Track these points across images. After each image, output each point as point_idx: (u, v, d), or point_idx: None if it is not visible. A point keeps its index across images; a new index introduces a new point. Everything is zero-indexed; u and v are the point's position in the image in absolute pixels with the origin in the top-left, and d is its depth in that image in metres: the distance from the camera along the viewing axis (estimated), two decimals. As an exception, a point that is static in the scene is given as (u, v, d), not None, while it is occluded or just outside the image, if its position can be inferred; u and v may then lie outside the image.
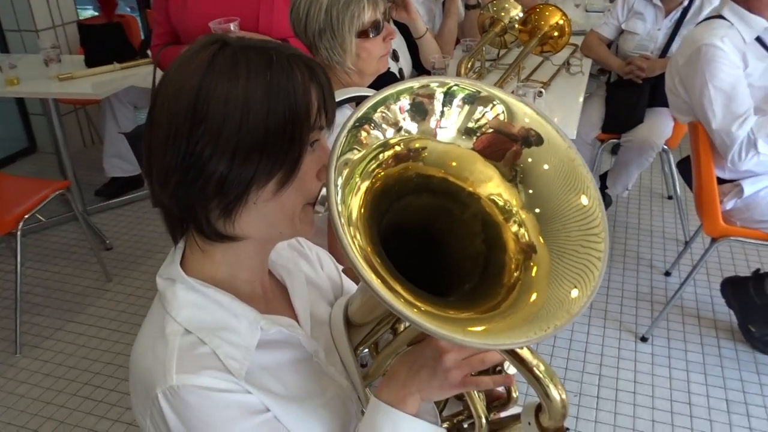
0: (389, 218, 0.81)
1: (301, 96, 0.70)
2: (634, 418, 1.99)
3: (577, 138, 2.76)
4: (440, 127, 0.76)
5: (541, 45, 2.68)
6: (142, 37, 3.86)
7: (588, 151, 2.81)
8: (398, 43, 2.44)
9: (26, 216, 2.37)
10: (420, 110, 0.73)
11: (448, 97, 0.74)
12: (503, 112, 0.77)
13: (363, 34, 1.50)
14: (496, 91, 0.77)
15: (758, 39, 1.99)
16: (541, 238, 0.78)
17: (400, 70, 2.43)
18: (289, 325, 0.83)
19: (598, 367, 2.19)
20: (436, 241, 0.89)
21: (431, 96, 0.73)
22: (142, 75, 2.89)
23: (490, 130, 0.78)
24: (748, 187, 2.02)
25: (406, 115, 0.72)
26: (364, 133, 0.69)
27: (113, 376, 2.24)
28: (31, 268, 2.87)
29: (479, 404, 0.88)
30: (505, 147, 0.79)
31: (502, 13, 2.80)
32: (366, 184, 0.72)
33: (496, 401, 0.95)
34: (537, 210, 0.79)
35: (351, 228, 0.66)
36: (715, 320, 2.40)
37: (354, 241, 0.65)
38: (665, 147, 2.71)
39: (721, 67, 1.90)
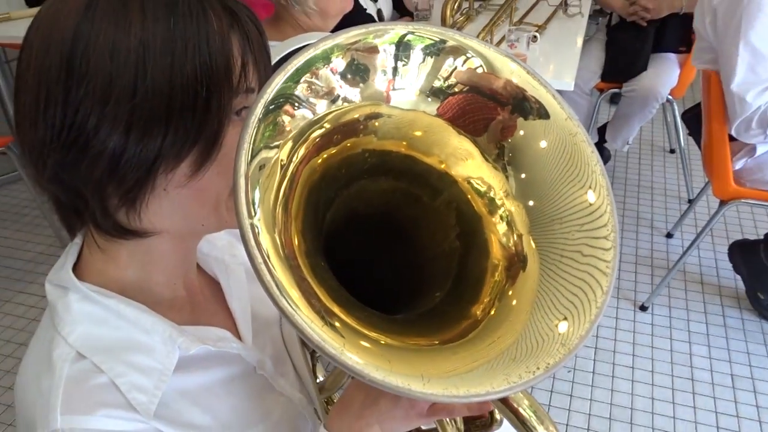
0: (337, 210, 0.63)
1: (217, 48, 0.54)
2: (632, 396, 1.84)
3: (575, 87, 2.53)
4: (394, 89, 0.57)
5: (537, -17, 2.42)
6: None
7: (586, 102, 2.58)
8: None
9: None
10: (362, 70, 0.54)
11: (402, 49, 0.55)
12: (482, 66, 0.58)
13: None
14: (470, 41, 0.57)
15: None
16: (532, 239, 0.61)
17: (379, 12, 2.18)
18: (219, 338, 0.67)
19: (595, 340, 2.04)
20: (401, 235, 0.70)
21: (373, 50, 0.54)
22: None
23: (465, 90, 0.58)
24: (761, 147, 1.81)
25: (342, 79, 0.53)
26: (285, 118, 0.50)
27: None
28: (-25, 234, 2.53)
29: (453, 432, 0.70)
30: (488, 116, 0.60)
31: (494, -52, 2.52)
32: (299, 178, 0.54)
33: (476, 421, 0.77)
34: (530, 202, 0.62)
35: (276, 237, 0.48)
36: (720, 286, 2.24)
37: (274, 254, 0.47)
38: (670, 97, 2.49)
39: (764, 20, 1.62)
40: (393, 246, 0.71)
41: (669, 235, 2.49)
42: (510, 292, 0.59)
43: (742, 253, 2.13)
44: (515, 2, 2.32)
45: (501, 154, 0.61)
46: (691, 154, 2.77)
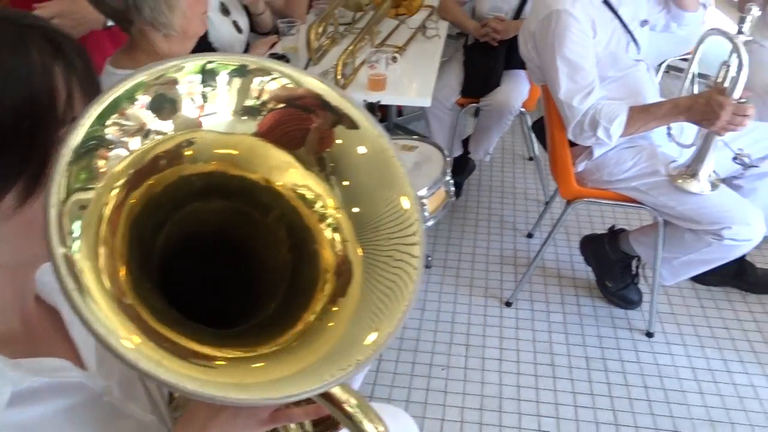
0: (171, 234, 0.66)
1: (38, 80, 0.55)
2: (500, 386, 2.00)
3: (437, 103, 2.70)
4: (206, 115, 0.60)
5: (396, 7, 2.58)
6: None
7: (449, 117, 2.76)
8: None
9: None
10: (170, 102, 0.57)
11: (207, 76, 0.59)
12: (290, 83, 0.63)
13: None
14: (273, 64, 0.62)
15: (605, 2, 1.98)
16: (358, 246, 0.66)
17: (235, 23, 2.23)
18: (56, 369, 0.67)
19: (466, 337, 2.18)
20: (239, 252, 0.76)
21: (177, 82, 0.57)
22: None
23: (281, 106, 0.63)
24: (598, 149, 2.04)
25: (151, 113, 0.56)
26: (99, 162, 0.52)
27: None
28: None
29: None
30: (304, 127, 0.64)
31: (355, -26, 2.65)
32: (122, 209, 0.56)
33: (320, 424, 0.84)
34: (355, 209, 0.66)
35: (96, 265, 0.51)
36: (575, 279, 2.47)
37: (94, 282, 0.50)
38: (522, 109, 2.72)
39: (571, 37, 1.87)
40: (232, 263, 0.76)
41: (530, 235, 2.71)
42: (339, 299, 0.64)
43: (591, 247, 2.36)
44: (375, 26, 2.45)
45: (323, 164, 0.66)
46: (546, 161, 3.02)
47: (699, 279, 2.39)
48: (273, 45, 2.30)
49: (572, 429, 1.86)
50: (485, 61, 2.68)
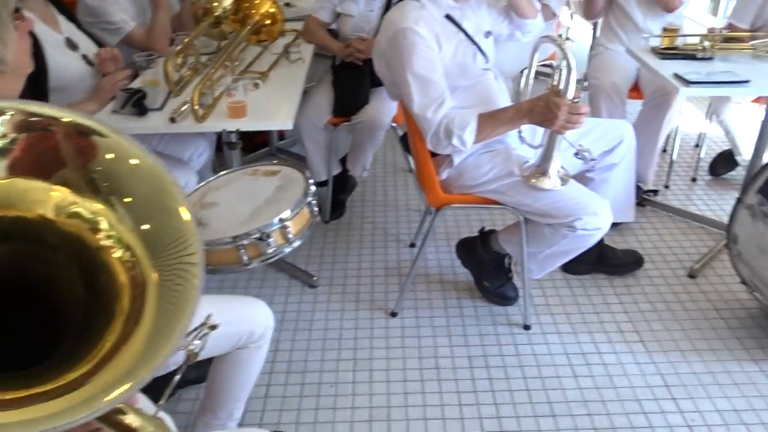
0: None
1: None
2: (388, 395, 2.03)
3: (310, 125, 2.75)
4: None
5: (256, 34, 2.60)
6: None
7: (323, 137, 2.81)
8: (70, 29, 2.20)
9: None
10: None
11: None
12: (27, 115, 0.63)
13: (16, 18, 1.30)
14: (4, 103, 0.62)
15: (448, 16, 2.08)
16: (153, 268, 0.66)
17: (85, 57, 2.18)
18: None
19: (353, 352, 2.21)
20: (37, 295, 0.75)
21: None
22: None
23: (23, 136, 0.62)
24: (457, 157, 2.13)
25: None
26: None
27: None
28: None
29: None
30: (52, 142, 0.64)
31: (215, 3, 2.65)
32: None
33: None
34: (145, 226, 0.66)
35: None
36: (456, 282, 2.55)
37: None
38: (394, 124, 2.80)
39: (418, 53, 1.95)
40: (29, 306, 0.75)
41: (412, 245, 2.78)
42: (132, 326, 0.64)
43: (465, 250, 2.46)
44: (236, 54, 2.47)
45: (96, 185, 0.65)
46: (424, 171, 3.12)
47: (569, 269, 2.54)
48: (132, 80, 2.26)
49: (457, 427, 1.92)
50: (352, 80, 2.75)
